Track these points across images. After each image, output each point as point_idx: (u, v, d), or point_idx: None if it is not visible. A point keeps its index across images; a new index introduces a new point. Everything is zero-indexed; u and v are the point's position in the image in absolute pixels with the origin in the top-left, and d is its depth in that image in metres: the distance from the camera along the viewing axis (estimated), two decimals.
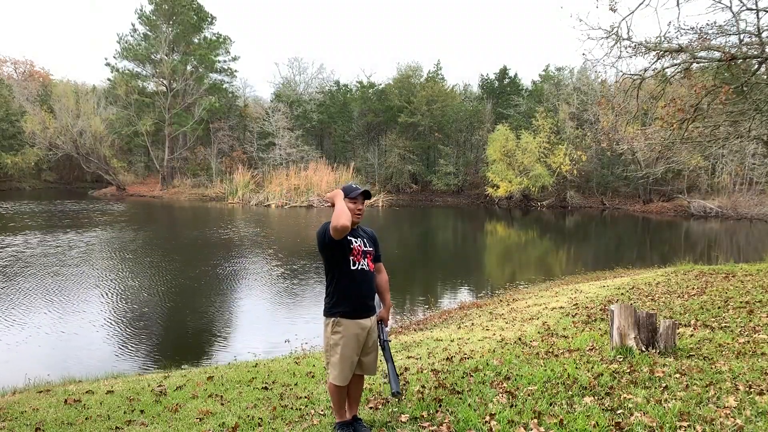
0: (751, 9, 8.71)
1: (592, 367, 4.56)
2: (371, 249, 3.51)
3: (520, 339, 6.36)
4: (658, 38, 9.15)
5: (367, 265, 3.44)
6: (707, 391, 3.79)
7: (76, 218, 26.11)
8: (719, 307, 6.92)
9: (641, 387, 3.96)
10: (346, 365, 3.34)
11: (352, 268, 3.35)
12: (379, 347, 3.57)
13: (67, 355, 8.41)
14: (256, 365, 6.18)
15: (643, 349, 4.84)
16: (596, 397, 3.78)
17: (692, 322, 6.22)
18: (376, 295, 3.58)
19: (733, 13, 8.79)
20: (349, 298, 3.35)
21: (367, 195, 3.47)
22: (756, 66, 9.29)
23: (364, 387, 4.46)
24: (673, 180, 35.42)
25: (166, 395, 4.84)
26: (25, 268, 14.35)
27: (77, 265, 15.11)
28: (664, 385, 3.96)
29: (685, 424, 3.25)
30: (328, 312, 3.40)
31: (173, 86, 42.30)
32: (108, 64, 42.86)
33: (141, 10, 42.17)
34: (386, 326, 3.63)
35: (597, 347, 5.31)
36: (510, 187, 35.94)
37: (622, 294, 9.09)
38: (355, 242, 3.41)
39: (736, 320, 6.11)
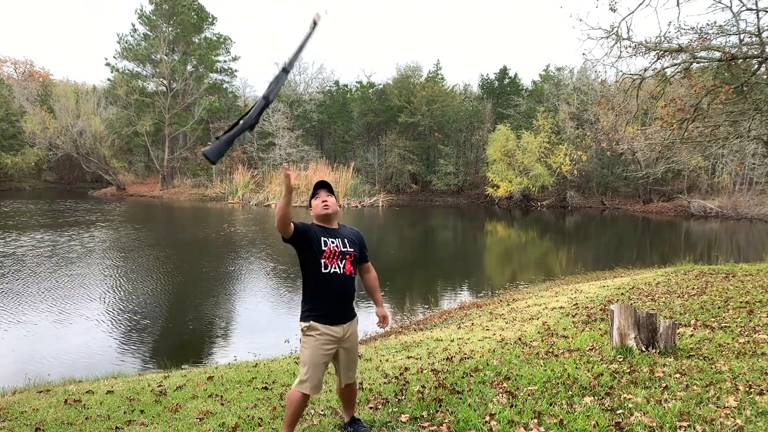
0: (751, 9, 8.72)
1: (592, 367, 4.56)
2: (351, 250, 3.28)
3: (520, 339, 6.36)
4: (658, 38, 9.16)
5: (343, 268, 3.21)
6: (707, 391, 3.79)
7: (76, 218, 26.11)
8: (719, 307, 6.92)
9: (641, 387, 3.96)
10: (317, 371, 3.14)
11: (323, 271, 3.16)
12: None
13: (67, 355, 8.41)
14: (256, 365, 6.18)
15: (643, 349, 4.84)
16: (596, 397, 3.78)
17: (692, 322, 6.22)
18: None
19: (733, 13, 8.79)
20: (319, 303, 3.19)
21: (325, 185, 3.34)
22: (756, 66, 9.29)
23: (364, 387, 4.47)
24: (673, 180, 35.42)
25: (166, 395, 4.83)
26: (23, 267, 14.35)
27: (76, 264, 15.11)
28: (664, 385, 3.96)
29: (685, 424, 3.25)
30: (302, 317, 3.24)
31: (173, 86, 42.31)
32: (108, 64, 42.92)
33: (141, 10, 42.20)
34: (387, 324, 3.55)
35: (597, 347, 5.31)
36: (510, 187, 35.94)
37: (622, 294, 9.09)
38: (331, 243, 3.21)
39: (736, 320, 6.11)
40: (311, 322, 3.18)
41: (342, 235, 3.32)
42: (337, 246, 3.22)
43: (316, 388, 3.17)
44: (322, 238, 3.21)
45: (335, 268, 3.19)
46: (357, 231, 3.50)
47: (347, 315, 3.29)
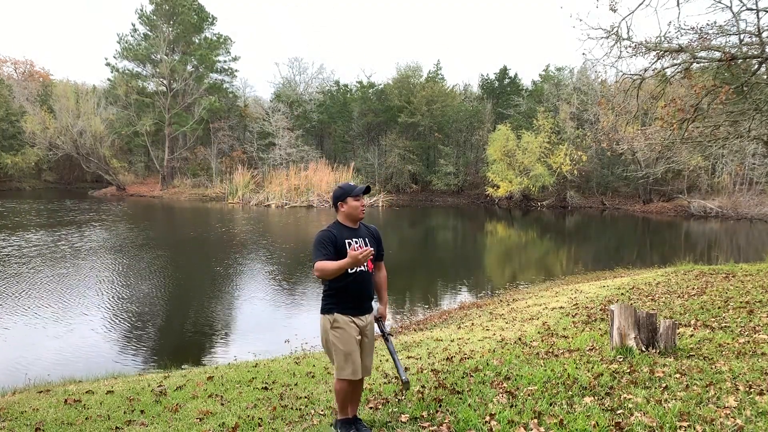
0: (751, 9, 8.71)
1: (592, 367, 4.56)
2: (372, 248, 3.48)
3: (520, 339, 6.36)
4: (658, 38, 9.16)
5: (366, 267, 3.40)
6: (707, 391, 3.78)
7: (75, 218, 26.10)
8: (719, 307, 6.92)
9: (641, 387, 3.96)
10: (353, 359, 3.34)
11: (350, 271, 3.30)
12: (384, 342, 3.64)
13: (67, 355, 8.41)
14: (256, 365, 6.18)
15: (643, 349, 4.84)
16: (596, 397, 3.78)
17: (692, 322, 6.22)
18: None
19: (733, 13, 8.79)
20: (345, 300, 3.37)
21: (368, 191, 3.56)
22: (756, 66, 9.29)
23: (364, 387, 4.47)
24: (673, 180, 35.39)
25: (166, 395, 4.83)
26: (23, 267, 14.34)
27: (76, 265, 15.10)
28: (664, 385, 3.96)
29: (685, 424, 3.24)
30: (324, 310, 3.42)
31: (173, 86, 42.30)
32: (108, 64, 42.93)
33: (141, 10, 42.20)
34: (384, 321, 3.68)
35: (597, 347, 5.31)
36: (510, 187, 35.92)
37: (622, 294, 9.09)
38: (354, 244, 3.39)
39: (736, 320, 6.10)
40: (335, 314, 3.35)
41: (363, 233, 3.52)
42: (360, 246, 3.41)
43: (357, 372, 3.35)
44: (347, 240, 3.38)
45: (360, 267, 3.34)
46: (375, 228, 3.68)
47: (368, 308, 3.51)
